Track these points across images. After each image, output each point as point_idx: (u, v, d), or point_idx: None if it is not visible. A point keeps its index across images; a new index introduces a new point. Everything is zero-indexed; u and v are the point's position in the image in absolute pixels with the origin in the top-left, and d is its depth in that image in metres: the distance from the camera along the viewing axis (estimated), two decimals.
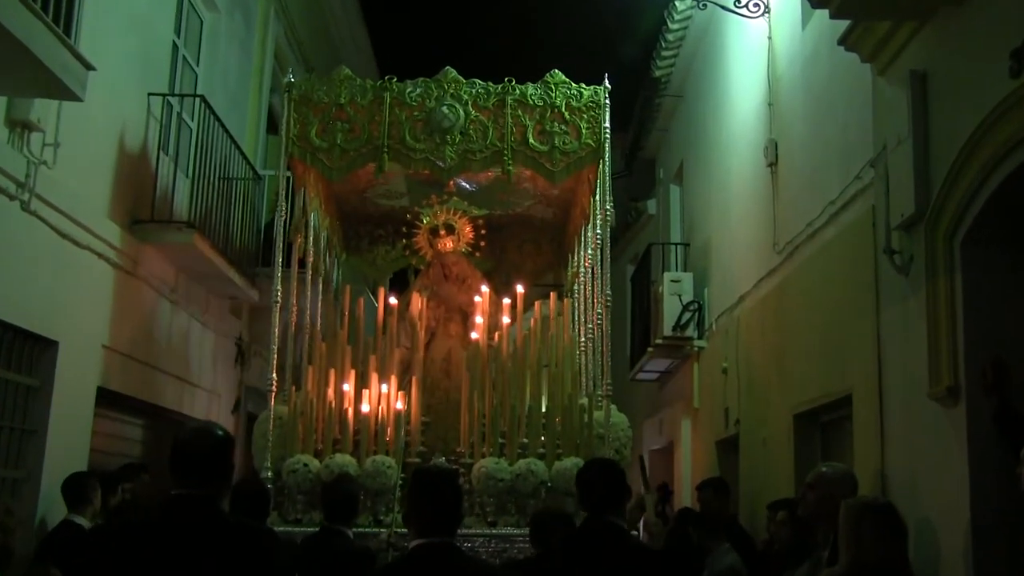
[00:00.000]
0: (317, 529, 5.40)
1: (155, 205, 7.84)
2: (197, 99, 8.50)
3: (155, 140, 8.03)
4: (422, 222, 8.37)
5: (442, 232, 8.27)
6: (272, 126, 11.24)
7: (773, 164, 7.79)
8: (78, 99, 5.47)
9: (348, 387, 7.10)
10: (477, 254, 8.47)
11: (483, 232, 8.44)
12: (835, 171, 6.41)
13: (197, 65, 9.26)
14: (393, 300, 7.86)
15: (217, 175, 8.66)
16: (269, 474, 6.56)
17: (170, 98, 8.30)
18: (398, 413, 6.86)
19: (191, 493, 2.90)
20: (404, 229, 8.51)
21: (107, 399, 7.35)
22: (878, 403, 5.50)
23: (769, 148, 7.82)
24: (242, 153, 9.43)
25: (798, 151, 7.31)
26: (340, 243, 8.81)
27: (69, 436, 6.68)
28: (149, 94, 7.92)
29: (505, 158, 6.90)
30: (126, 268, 7.54)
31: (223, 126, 8.68)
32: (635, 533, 6.83)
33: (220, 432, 3.01)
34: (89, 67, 5.43)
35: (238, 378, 10.35)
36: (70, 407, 6.68)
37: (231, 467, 2.99)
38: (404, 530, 5.85)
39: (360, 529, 5.98)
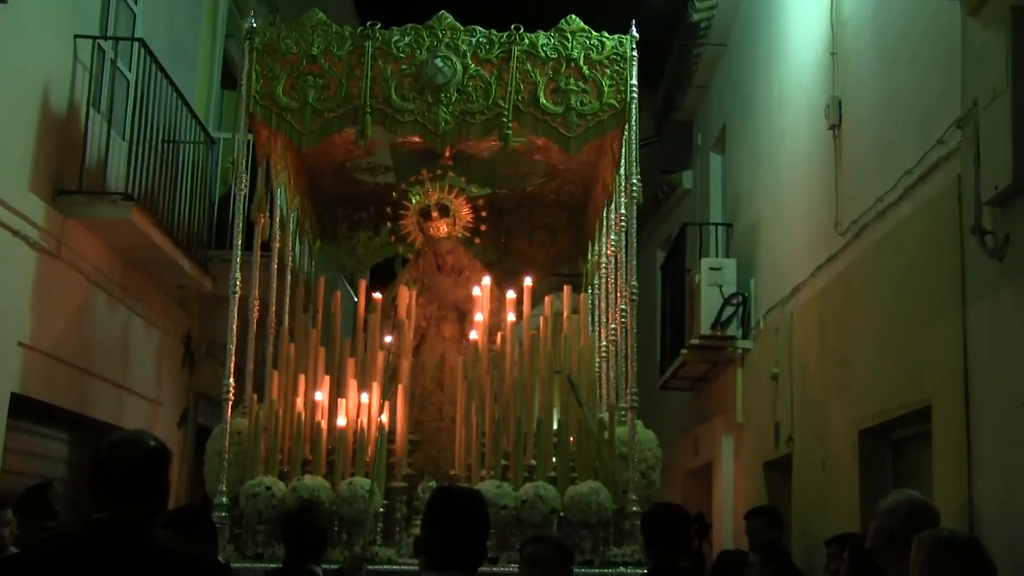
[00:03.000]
0: (278, 566, 5.39)
1: (84, 173, 7.80)
2: (135, 44, 8.45)
3: (84, 93, 7.99)
4: (411, 202, 8.34)
5: (434, 214, 8.23)
6: (228, 79, 11.20)
7: (836, 127, 7.76)
8: None
9: (321, 396, 7.08)
10: (477, 241, 8.45)
11: (484, 215, 8.42)
12: (912, 134, 6.36)
13: (135, 2, 9.21)
14: (376, 294, 7.84)
15: (160, 137, 8.62)
16: (224, 500, 6.54)
17: (102, 42, 8.25)
18: (381, 428, 6.85)
19: (114, 517, 2.84)
20: (389, 210, 8.49)
21: (24, 408, 7.31)
22: (964, 416, 5.46)
23: (831, 107, 7.79)
24: (191, 111, 9.40)
25: (867, 111, 7.27)
26: (313, 227, 8.79)
27: None
28: (76, 36, 7.86)
29: (504, 120, 6.87)
30: (49, 249, 7.51)
31: (168, 77, 8.64)
32: None
33: (152, 442, 2.97)
34: None
35: (186, 384, 10.34)
36: None
37: (165, 485, 2.94)
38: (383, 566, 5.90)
39: (332, 566, 5.98)
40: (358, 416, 6.95)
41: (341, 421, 6.94)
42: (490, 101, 6.94)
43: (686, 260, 11.52)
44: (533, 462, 6.80)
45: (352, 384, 7.13)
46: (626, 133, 7.02)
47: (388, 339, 7.63)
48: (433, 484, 6.82)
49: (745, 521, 7.46)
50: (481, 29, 7.04)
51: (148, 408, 9.45)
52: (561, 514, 6.56)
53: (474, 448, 6.86)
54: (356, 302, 8.01)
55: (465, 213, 8.34)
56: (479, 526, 3.29)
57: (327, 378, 7.23)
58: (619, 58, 7.02)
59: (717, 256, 10.95)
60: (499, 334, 7.59)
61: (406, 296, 7.89)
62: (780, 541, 7.14)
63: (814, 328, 8.25)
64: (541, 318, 7.65)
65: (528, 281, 7.90)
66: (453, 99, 6.93)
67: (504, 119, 6.89)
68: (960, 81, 5.61)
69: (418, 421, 7.48)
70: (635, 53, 7.02)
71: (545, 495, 6.55)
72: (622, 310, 7.16)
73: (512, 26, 7.02)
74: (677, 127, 14.31)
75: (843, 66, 7.76)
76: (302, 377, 7.10)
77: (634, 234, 7.08)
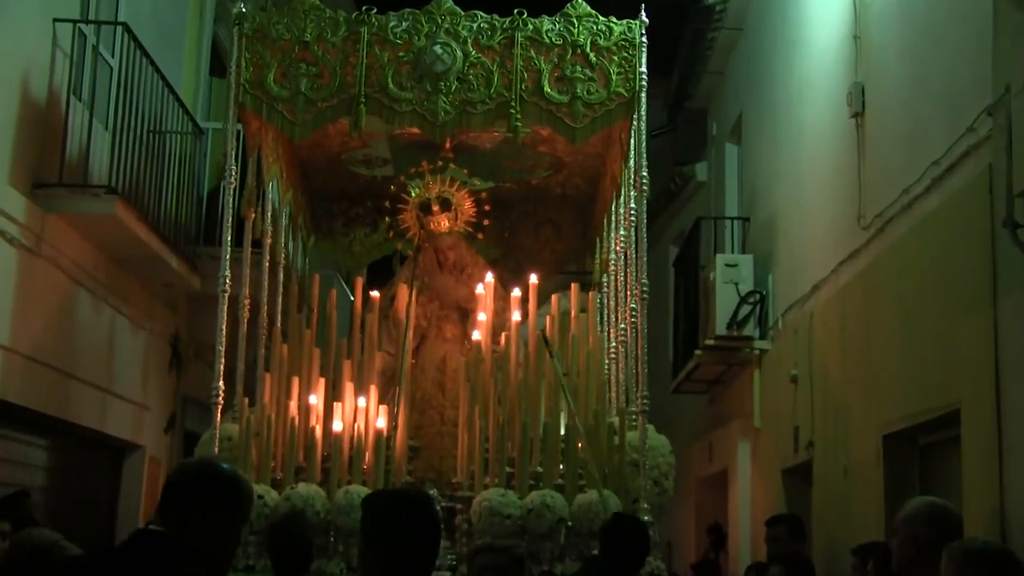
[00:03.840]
0: None
1: (65, 165, 7.80)
2: (119, 28, 8.45)
3: (64, 81, 7.98)
4: (410, 196, 8.34)
5: (435, 208, 8.23)
6: (217, 65, 11.19)
7: (859, 115, 7.76)
8: None
9: (315, 400, 7.08)
10: (480, 236, 8.45)
11: (487, 209, 8.42)
12: (940, 122, 6.35)
13: None
14: (374, 293, 7.83)
15: (145, 127, 8.62)
16: None
17: (83, 26, 8.24)
18: (379, 433, 6.85)
19: (148, 528, 3.03)
20: (387, 205, 8.49)
21: (2, 413, 7.32)
22: (995, 420, 5.45)
23: (854, 94, 7.78)
24: (178, 99, 9.40)
25: (892, 98, 7.26)
26: (307, 223, 8.80)
27: None
28: (55, 20, 7.85)
29: (512, 111, 6.87)
30: (28, 246, 7.51)
31: (153, 64, 8.63)
32: None
33: (221, 465, 3.13)
34: None
35: (173, 387, 10.35)
36: None
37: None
38: None
39: None
40: (355, 421, 6.95)
41: (337, 426, 6.94)
42: (492, 90, 6.93)
43: (700, 256, 11.51)
44: (539, 469, 6.79)
45: (349, 387, 7.12)
46: (635, 123, 7.01)
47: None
48: (434, 492, 6.82)
49: (766, 527, 7.44)
50: (482, 14, 7.04)
51: (134, 413, 9.45)
52: (569, 523, 6.56)
53: (477, 454, 6.85)
54: (353, 301, 8.01)
55: (467, 207, 8.33)
56: (423, 534, 3.04)
57: (322, 381, 7.23)
58: (628, 44, 7.01)
59: (733, 252, 10.95)
60: (503, 334, 7.59)
61: (405, 295, 7.89)
62: (802, 551, 7.13)
63: (835, 327, 8.24)
64: (547, 318, 7.64)
65: (534, 279, 7.89)
66: (453, 88, 6.92)
67: (513, 110, 6.88)
68: (991, 65, 5.60)
69: (418, 426, 7.49)
70: (644, 39, 7.01)
71: (552, 503, 6.54)
72: (632, 309, 7.14)
73: (515, 11, 7.02)
74: (691, 116, 14.31)
75: (866, 50, 7.75)
76: (296, 380, 7.10)
77: (644, 229, 7.06)
